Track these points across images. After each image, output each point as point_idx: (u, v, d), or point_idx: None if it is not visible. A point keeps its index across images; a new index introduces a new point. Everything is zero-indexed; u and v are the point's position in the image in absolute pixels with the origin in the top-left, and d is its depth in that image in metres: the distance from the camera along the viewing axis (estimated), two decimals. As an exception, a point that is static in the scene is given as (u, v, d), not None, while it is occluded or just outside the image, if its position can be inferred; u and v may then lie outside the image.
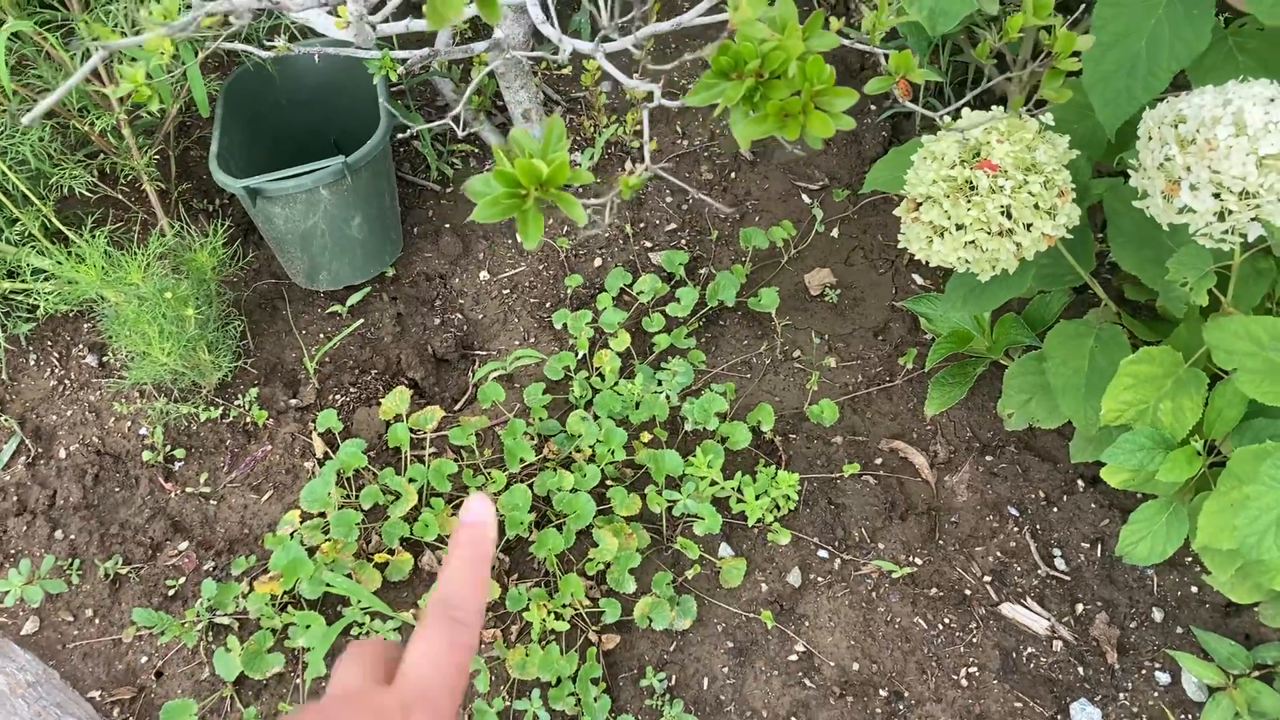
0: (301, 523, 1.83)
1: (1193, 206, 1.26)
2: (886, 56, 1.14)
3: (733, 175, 2.34)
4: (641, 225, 2.24)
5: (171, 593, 1.82)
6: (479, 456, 1.88)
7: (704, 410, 1.89)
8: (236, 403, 2.01)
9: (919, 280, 2.15)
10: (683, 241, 2.22)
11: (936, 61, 2.32)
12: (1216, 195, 1.25)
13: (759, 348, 2.08)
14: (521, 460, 1.84)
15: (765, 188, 2.32)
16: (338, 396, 2.03)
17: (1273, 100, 1.25)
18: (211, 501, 1.92)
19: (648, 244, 2.22)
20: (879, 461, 1.92)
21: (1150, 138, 1.32)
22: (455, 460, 1.86)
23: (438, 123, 1.43)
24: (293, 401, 2.03)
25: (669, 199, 2.28)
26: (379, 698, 0.46)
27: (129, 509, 1.91)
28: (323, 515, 1.82)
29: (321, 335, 2.11)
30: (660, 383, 1.94)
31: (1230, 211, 1.25)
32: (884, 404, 1.99)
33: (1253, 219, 1.27)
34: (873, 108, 2.41)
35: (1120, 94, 1.44)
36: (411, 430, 1.90)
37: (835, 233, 2.24)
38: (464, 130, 1.81)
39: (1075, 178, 1.48)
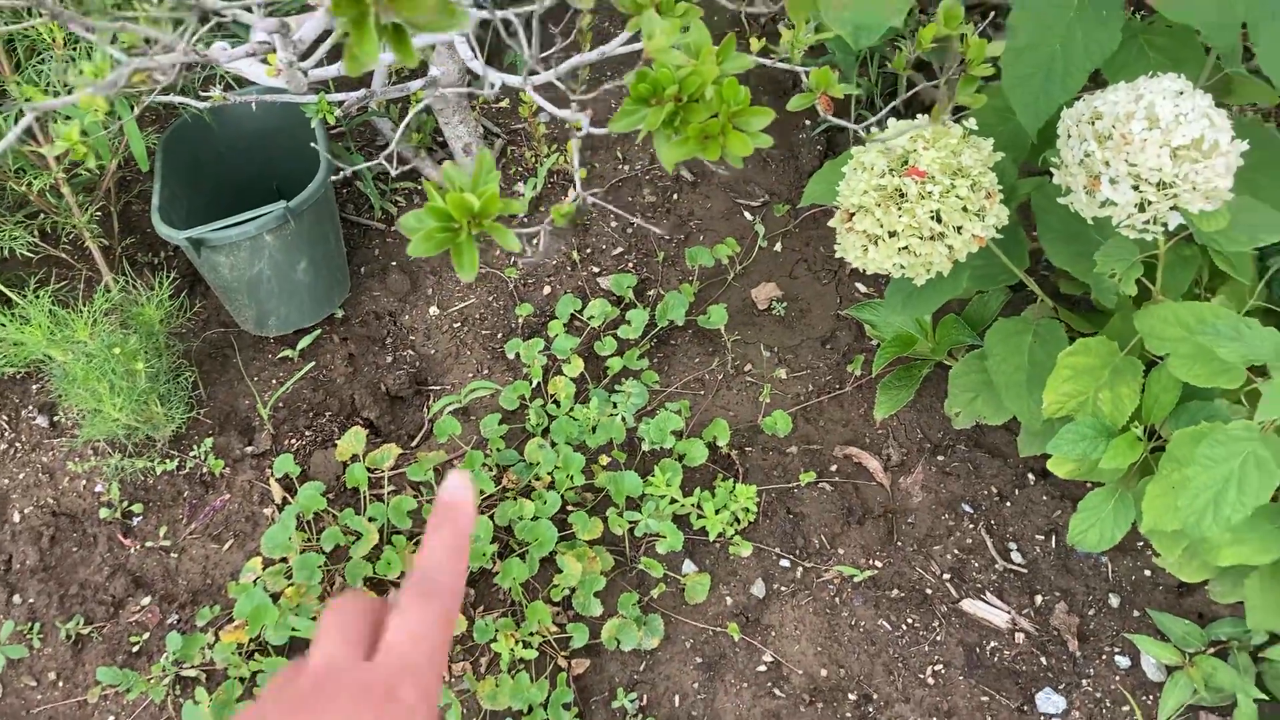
0: (264, 569, 1.83)
1: (1114, 200, 1.30)
2: (807, 74, 1.18)
3: (675, 197, 2.37)
4: (589, 251, 2.26)
5: (136, 649, 1.80)
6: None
7: (660, 430, 1.91)
8: (192, 453, 2.00)
9: (862, 288, 2.19)
10: (630, 264, 2.25)
11: (866, 73, 2.37)
12: (1135, 187, 1.29)
13: (711, 364, 2.10)
14: (481, 492, 1.84)
15: (708, 207, 2.36)
16: (293, 441, 2.03)
17: (1181, 93, 1.30)
18: (172, 554, 1.91)
19: (595, 269, 2.24)
20: (834, 468, 1.95)
21: (1069, 135, 1.36)
22: (415, 497, 1.87)
23: (371, 162, 1.44)
24: (249, 449, 2.02)
25: (614, 224, 2.31)
26: (363, 674, 0.45)
27: (88, 568, 1.89)
28: (285, 560, 1.82)
29: (274, 381, 2.11)
30: (615, 405, 1.96)
31: (1150, 202, 1.30)
32: (836, 411, 2.02)
33: (1172, 208, 1.31)
34: (807, 123, 2.45)
35: (1039, 95, 1.48)
36: (369, 470, 1.90)
37: (778, 247, 2.28)
38: (397, 168, 1.82)
39: (1002, 179, 1.52)
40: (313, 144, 2.04)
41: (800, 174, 2.36)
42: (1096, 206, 1.33)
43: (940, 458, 1.93)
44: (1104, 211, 1.32)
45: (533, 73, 1.22)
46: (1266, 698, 1.67)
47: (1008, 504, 1.87)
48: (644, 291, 2.21)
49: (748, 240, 2.28)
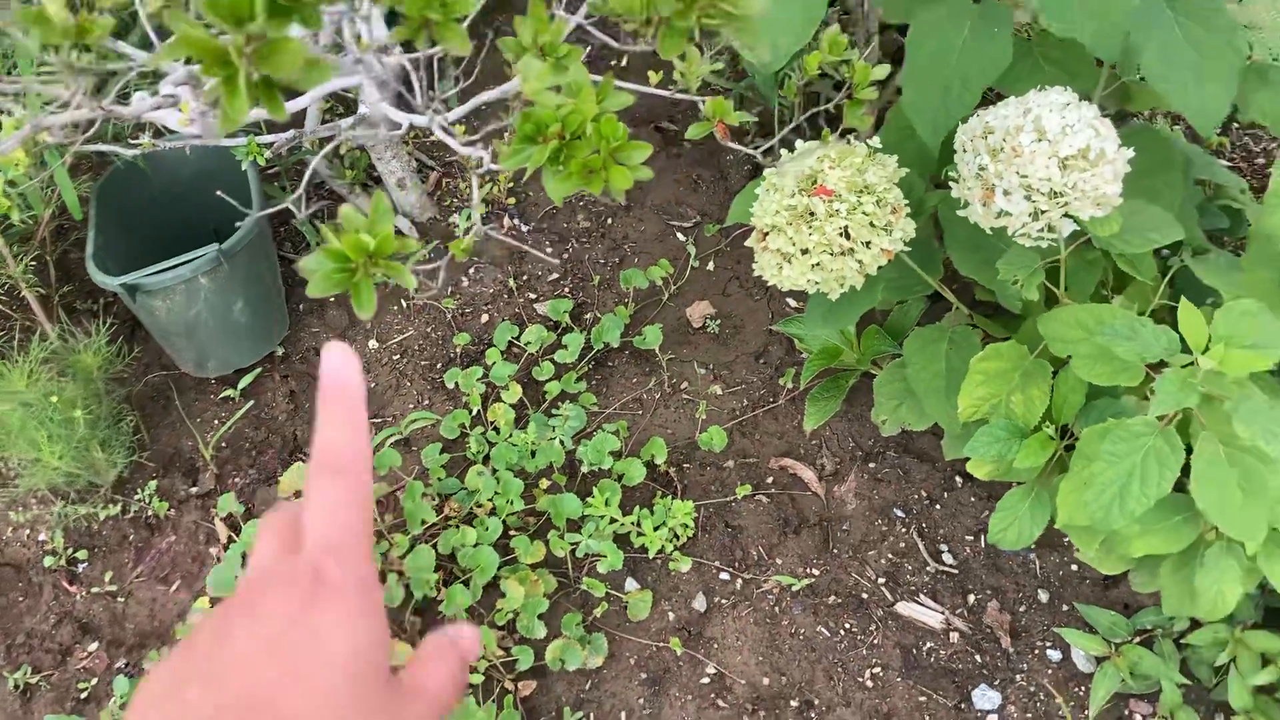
0: (211, 608, 1.84)
1: (1008, 210, 1.36)
2: (702, 103, 1.23)
3: (609, 221, 2.42)
4: (524, 278, 2.30)
5: (84, 695, 1.81)
6: (381, 522, 1.91)
7: (598, 451, 1.94)
8: (136, 497, 2.01)
9: (792, 303, 2.24)
10: (566, 289, 2.29)
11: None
12: (1028, 198, 1.35)
13: (648, 384, 2.14)
14: (423, 521, 1.87)
15: (641, 230, 2.40)
16: (237, 479, 2.04)
17: (1067, 105, 1.36)
18: (119, 599, 1.92)
19: (532, 295, 2.28)
20: (770, 480, 1.99)
21: (965, 150, 1.42)
22: (358, 528, 1.89)
23: (285, 202, 1.47)
24: (193, 490, 2.04)
25: (548, 250, 2.35)
26: (288, 566, 0.44)
27: (34, 617, 1.90)
28: (231, 598, 1.83)
29: (216, 421, 2.13)
30: (554, 429, 1.99)
31: (1042, 211, 1.35)
32: (770, 424, 2.07)
33: (1064, 216, 1.37)
34: (747, 142, 2.50)
35: (938, 112, 1.54)
36: (313, 504, 1.92)
37: (711, 266, 2.33)
38: (304, 213, 1.86)
39: (909, 193, 1.58)
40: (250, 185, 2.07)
41: (729, 194, 2.42)
42: (993, 217, 1.39)
43: (872, 465, 1.98)
44: (1000, 222, 1.38)
45: (438, 112, 1.26)
46: (1190, 682, 1.73)
47: (937, 507, 1.92)
48: (581, 315, 2.25)
49: (681, 261, 2.33)
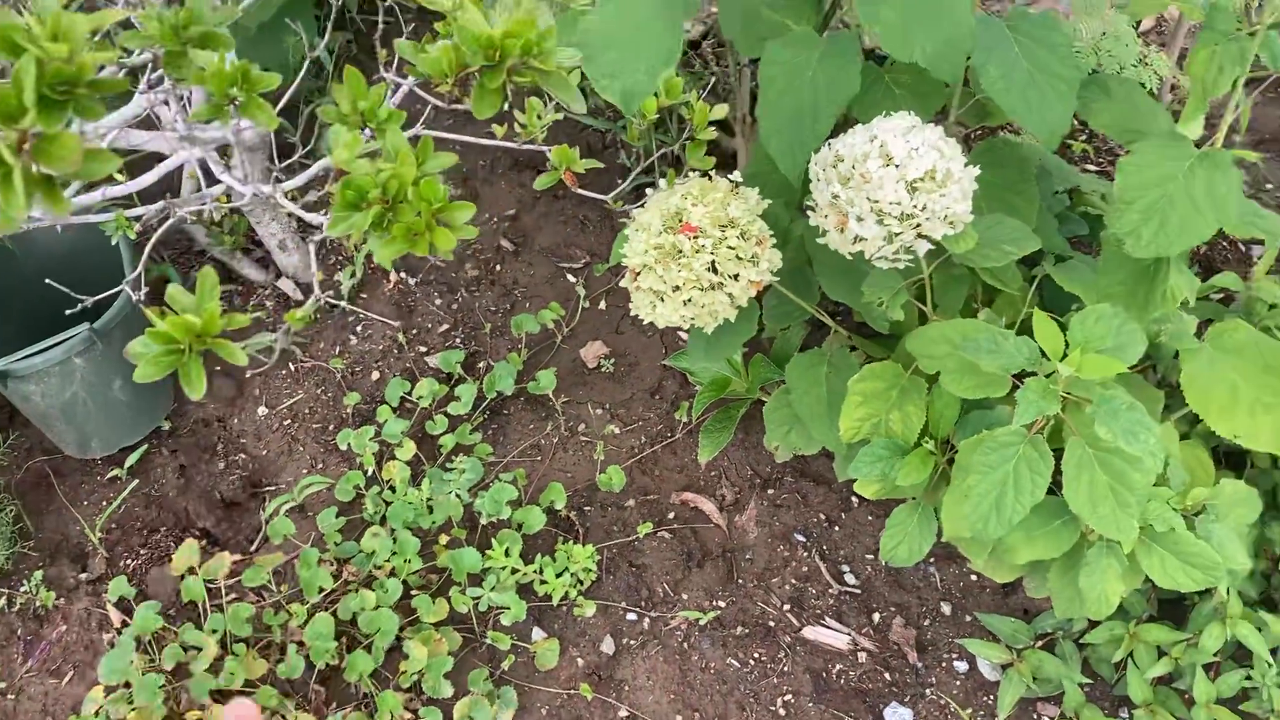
0: (106, 697, 1.78)
1: (863, 235, 1.38)
2: (549, 153, 1.23)
3: (498, 268, 2.41)
4: (414, 332, 2.28)
5: (-24, 801, 1.74)
6: (278, 593, 1.87)
7: (496, 501, 1.93)
8: (22, 589, 1.95)
9: (684, 337, 2.25)
10: (457, 340, 2.27)
11: (667, 127, 2.45)
12: (881, 221, 1.37)
13: (545, 429, 2.13)
14: (321, 589, 1.83)
15: (531, 274, 2.40)
16: (129, 561, 1.99)
17: (912, 129, 1.39)
18: (9, 696, 1.85)
19: (423, 348, 2.26)
20: (672, 515, 1.99)
21: (818, 179, 1.44)
22: (254, 603, 1.85)
23: (123, 284, 1.44)
24: (82, 576, 1.98)
25: (438, 301, 2.33)
26: None
27: (-81, 724, 1.82)
28: (127, 686, 1.78)
29: (103, 502, 2.07)
30: (450, 483, 1.97)
31: (896, 234, 1.38)
32: (669, 459, 2.07)
33: (918, 236, 1.39)
34: (619, 182, 2.52)
35: (794, 144, 1.56)
36: (207, 581, 1.88)
37: (603, 305, 2.33)
38: (140, 293, 1.81)
39: (775, 224, 1.59)
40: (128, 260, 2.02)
41: (616, 233, 2.43)
42: (850, 243, 1.41)
43: (770, 491, 1.99)
44: (857, 247, 1.40)
45: (280, 180, 1.25)
46: (1092, 681, 1.76)
47: (836, 528, 1.94)
48: (474, 365, 2.23)
49: (572, 302, 2.33)
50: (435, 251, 0.88)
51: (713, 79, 2.63)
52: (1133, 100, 1.60)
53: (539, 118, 1.18)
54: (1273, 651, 1.67)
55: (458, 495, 1.96)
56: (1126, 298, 1.51)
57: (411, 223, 0.87)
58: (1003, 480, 1.38)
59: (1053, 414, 1.34)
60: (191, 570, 1.89)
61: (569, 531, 1.97)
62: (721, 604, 1.87)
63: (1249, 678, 1.68)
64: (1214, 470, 1.63)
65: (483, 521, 1.95)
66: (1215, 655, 1.71)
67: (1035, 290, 1.70)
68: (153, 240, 1.46)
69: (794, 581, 1.89)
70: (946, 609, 1.85)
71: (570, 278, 2.39)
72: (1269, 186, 2.50)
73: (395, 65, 1.22)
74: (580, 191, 1.25)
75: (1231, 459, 1.85)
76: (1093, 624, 1.75)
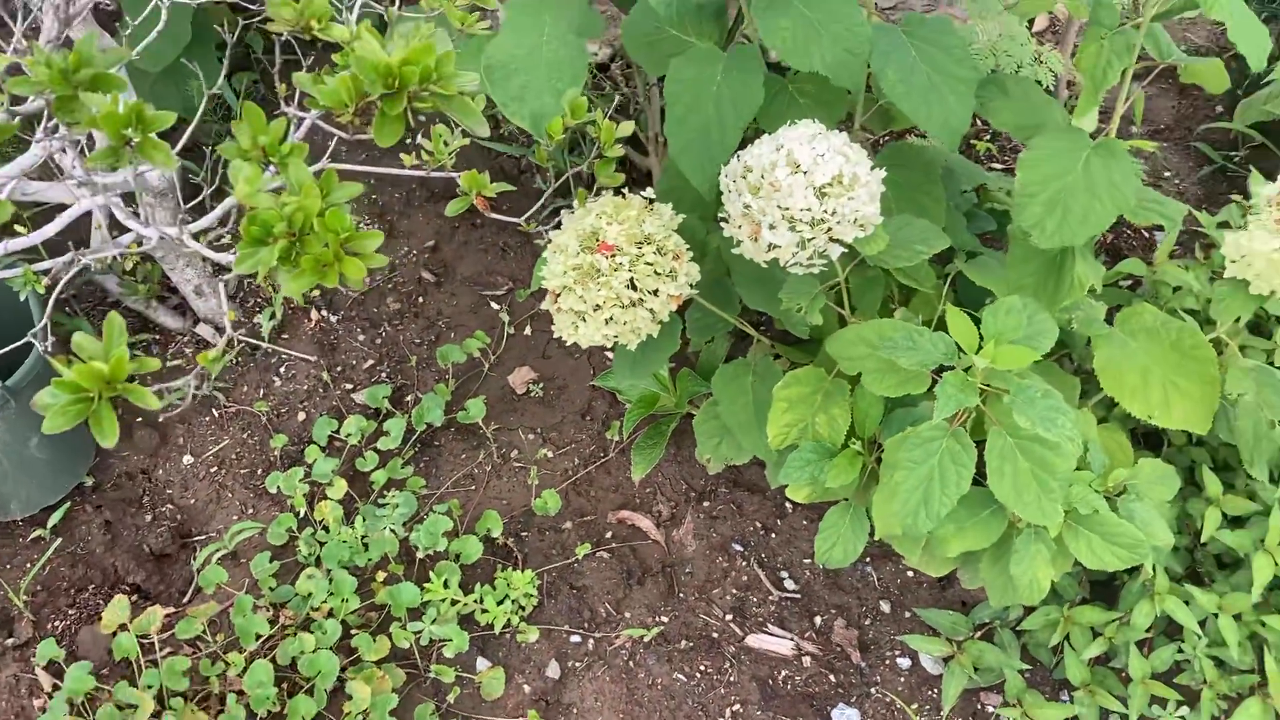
0: (39, 766, 1.73)
1: (776, 243, 1.40)
2: (459, 179, 1.23)
3: (420, 300, 2.40)
4: (339, 369, 2.26)
5: None
6: (214, 643, 1.84)
7: (431, 534, 1.91)
8: (-55, 661, 1.88)
9: (611, 356, 2.26)
10: (383, 375, 2.25)
11: (581, 149, 2.46)
12: (792, 228, 1.39)
13: (477, 458, 2.12)
14: (258, 635, 1.80)
15: (454, 304, 2.39)
16: (57, 623, 1.93)
17: (816, 136, 1.41)
18: (-63, 773, 1.79)
19: (349, 385, 2.24)
20: (609, 535, 1.99)
21: (729, 191, 1.46)
22: (190, 655, 1.81)
23: (29, 335, 1.41)
24: (9, 641, 1.92)
25: (361, 337, 2.31)
26: None
27: None
28: (61, 751, 1.73)
29: (27, 565, 2.01)
30: (384, 519, 1.95)
31: (808, 239, 1.40)
32: (604, 479, 2.07)
33: (830, 241, 1.42)
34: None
35: (704, 159, 1.58)
36: (140, 637, 1.83)
37: (528, 330, 2.33)
38: (45, 344, 1.78)
39: (692, 237, 1.61)
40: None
41: (536, 258, 2.42)
42: (764, 252, 1.43)
43: (706, 504, 2.00)
44: (771, 255, 1.42)
45: (187, 221, 1.23)
46: (1031, 666, 1.79)
47: (773, 535, 1.95)
48: (401, 399, 2.22)
49: (498, 329, 2.33)
50: (346, 281, 0.88)
51: (623, 99, 2.65)
52: (1029, 97, 1.64)
53: (445, 144, 1.18)
54: (1201, 623, 1.72)
55: (392, 530, 1.94)
56: (1036, 289, 1.55)
57: (319, 254, 0.87)
58: (928, 475, 1.40)
59: (972, 406, 1.36)
60: (123, 627, 1.85)
61: (507, 558, 1.96)
62: (664, 619, 1.87)
63: (1180, 651, 1.72)
64: (1132, 451, 1.67)
65: (420, 555, 1.93)
66: (1147, 632, 1.75)
67: (949, 287, 1.74)
68: (57, 290, 1.43)
69: (735, 591, 1.90)
70: (886, 607, 1.87)
71: (494, 305, 2.39)
72: (1167, 174, 2.58)
73: (297, 100, 1.21)
74: (496, 216, 1.25)
75: (1150, 439, 1.90)
76: (1029, 611, 1.79)
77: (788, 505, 1.98)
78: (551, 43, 1.70)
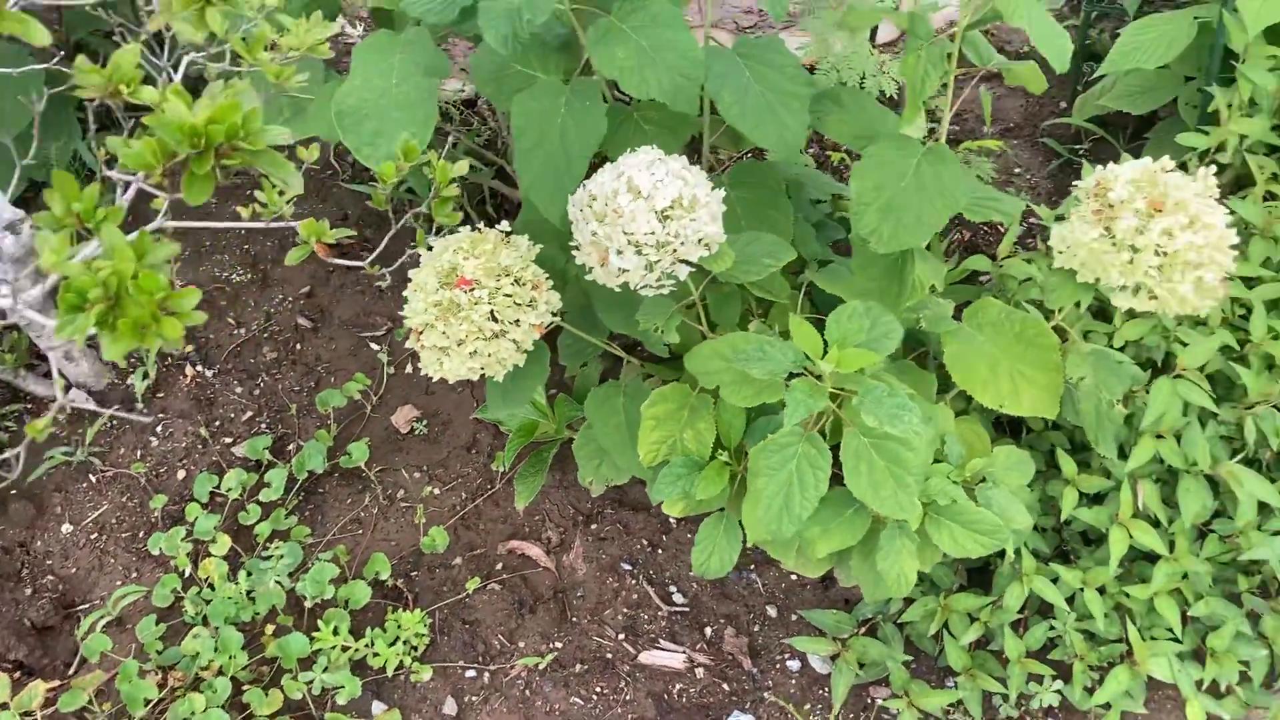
0: None
1: (624, 267, 1.44)
2: (298, 228, 1.24)
3: (298, 347, 2.39)
4: (217, 424, 2.24)
5: None
6: (101, 713, 1.80)
7: (317, 582, 1.90)
8: None
9: (492, 388, 2.27)
10: (263, 425, 2.24)
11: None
12: (639, 252, 1.43)
13: (363, 501, 2.12)
14: (146, 700, 1.77)
15: (333, 348, 2.39)
16: (-65, 709, 1.88)
17: (655, 161, 1.45)
18: None
19: (228, 440, 2.21)
20: (500, 566, 2.00)
21: (577, 220, 1.49)
22: (75, 727, 1.78)
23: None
24: (-115, 733, 1.86)
25: (239, 390, 2.30)
26: None
27: None
28: (-55, 841, 1.68)
29: (-99, 652, 1.95)
30: (269, 571, 1.94)
31: (655, 262, 1.44)
32: (492, 511, 2.08)
33: (677, 261, 1.46)
34: (409, 245, 2.52)
35: (554, 190, 1.61)
36: (23, 714, 1.79)
37: (409, 369, 2.34)
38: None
39: (553, 266, 1.63)
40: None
41: (413, 295, 2.43)
42: (615, 276, 1.46)
43: (594, 526, 2.03)
44: (622, 279, 1.45)
45: (21, 290, 1.22)
46: (914, 657, 1.84)
47: (660, 551, 1.99)
48: (283, 448, 2.20)
49: (378, 371, 2.33)
50: (166, 341, 0.88)
51: (490, 133, 2.67)
52: (864, 108, 1.71)
53: (280, 194, 1.19)
54: (1070, 599, 1.79)
55: (278, 582, 1.93)
56: (880, 292, 1.61)
57: (137, 316, 0.87)
58: (787, 480, 1.44)
59: (823, 409, 1.41)
60: (3, 706, 1.80)
61: (398, 600, 1.96)
62: (558, 645, 1.89)
63: (1053, 628, 1.79)
64: (990, 440, 1.74)
65: (308, 604, 1.92)
66: (1021, 612, 1.82)
67: (805, 297, 1.79)
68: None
69: (626, 610, 1.92)
70: (773, 611, 1.91)
71: (374, 346, 2.39)
72: (1018, 170, 2.69)
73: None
74: (338, 261, 1.27)
75: (1014, 426, 1.98)
76: (909, 603, 1.84)
77: (672, 521, 2.02)
78: (402, 85, 1.73)
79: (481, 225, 1.58)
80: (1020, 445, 1.91)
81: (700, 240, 1.45)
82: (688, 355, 1.59)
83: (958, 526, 1.55)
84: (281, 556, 1.96)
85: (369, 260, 1.32)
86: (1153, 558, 1.77)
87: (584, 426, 1.89)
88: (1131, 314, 1.84)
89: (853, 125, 1.68)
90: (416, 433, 2.22)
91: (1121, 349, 1.84)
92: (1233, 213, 1.94)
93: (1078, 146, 2.71)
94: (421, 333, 1.58)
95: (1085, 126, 2.61)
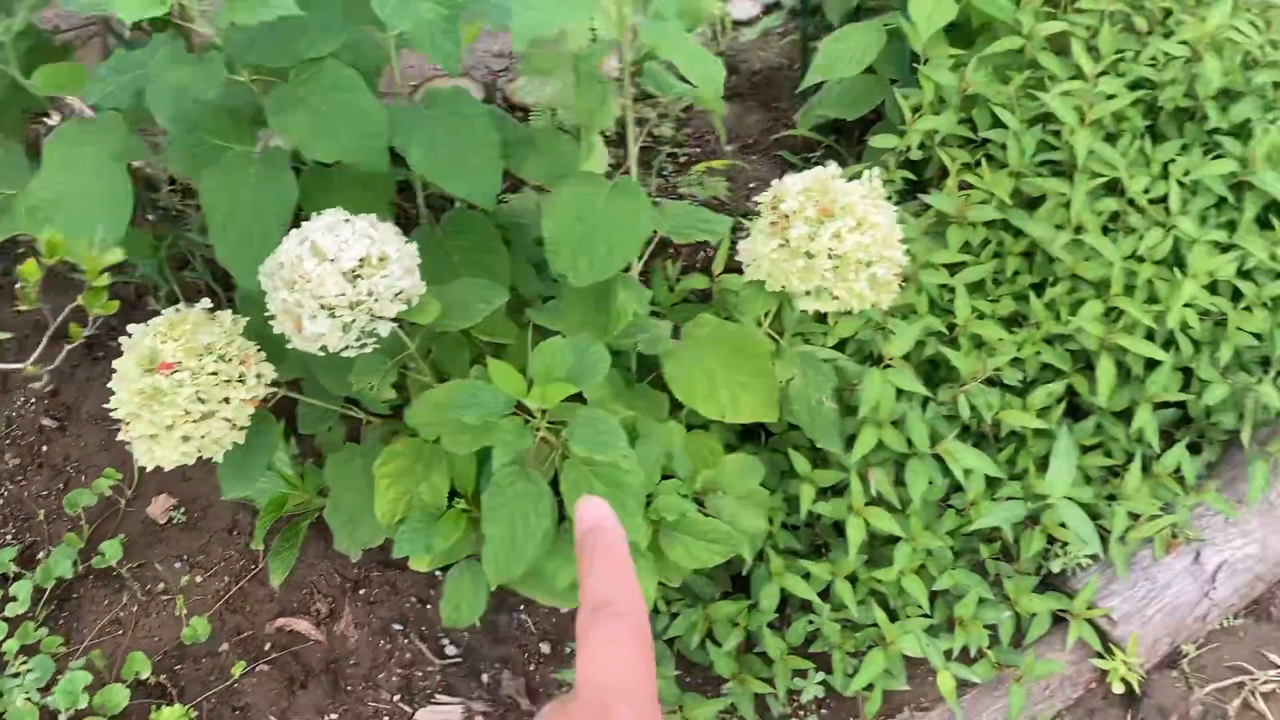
0: None
1: (319, 331, 1.43)
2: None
3: (44, 449, 2.29)
4: (-43, 542, 2.12)
5: None
6: None
7: (69, 693, 1.82)
8: None
9: (250, 464, 2.22)
10: (8, 537, 2.13)
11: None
12: (332, 315, 1.43)
13: (121, 600, 2.04)
14: None
15: (82, 445, 2.29)
16: None
17: (338, 222, 1.46)
18: None
19: (-30, 558, 2.10)
20: (269, 646, 1.96)
21: (269, 289, 1.48)
22: None
23: None
24: None
25: (-20, 503, 2.19)
26: (573, 714, 0.42)
27: None
28: None
29: None
30: (17, 690, 1.84)
31: (350, 323, 1.44)
32: (258, 591, 2.04)
33: (373, 319, 1.46)
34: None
35: (251, 261, 1.58)
36: None
37: (164, 456, 2.26)
38: None
39: (267, 336, 1.62)
40: None
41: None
42: (313, 342, 1.46)
43: (362, 591, 2.01)
44: (319, 344, 1.45)
45: None
46: (688, 670, 1.89)
47: (429, 607, 1.98)
48: (33, 557, 2.10)
49: (130, 462, 2.25)
50: None
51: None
52: (557, 149, 1.76)
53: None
54: (825, 592, 1.86)
55: (29, 699, 1.84)
56: (590, 324, 1.65)
57: None
58: (511, 520, 1.46)
59: (551, 445, 1.44)
60: None
61: (161, 696, 1.89)
62: (334, 716, 1.86)
63: (812, 622, 1.86)
64: (723, 451, 1.80)
65: (63, 717, 1.83)
66: (783, 612, 1.89)
67: (534, 334, 1.82)
68: None
69: (400, 670, 1.91)
70: (546, 648, 1.93)
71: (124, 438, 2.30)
72: (753, 185, 2.80)
73: None
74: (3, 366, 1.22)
75: (760, 433, 2.05)
76: (675, 617, 1.88)
77: (437, 573, 2.01)
78: (95, 175, 1.69)
79: (182, 305, 1.56)
80: (765, 449, 2.00)
81: (397, 295, 1.47)
82: (408, 410, 1.59)
83: (690, 539, 1.60)
84: (30, 671, 1.87)
85: (30, 362, 1.28)
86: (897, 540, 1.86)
87: (332, 493, 1.87)
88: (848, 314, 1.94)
89: (547, 166, 1.72)
90: (175, 521, 2.15)
91: (840, 347, 1.94)
92: (928, 207, 2.08)
93: (810, 155, 2.84)
94: (128, 423, 1.54)
95: (812, 136, 2.73)
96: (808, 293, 1.56)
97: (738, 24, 3.28)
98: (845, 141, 2.76)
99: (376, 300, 1.44)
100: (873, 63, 2.34)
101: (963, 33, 2.29)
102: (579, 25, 1.67)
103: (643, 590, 1.55)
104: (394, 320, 1.49)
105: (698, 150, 2.91)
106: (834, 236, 1.51)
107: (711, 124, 3.03)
